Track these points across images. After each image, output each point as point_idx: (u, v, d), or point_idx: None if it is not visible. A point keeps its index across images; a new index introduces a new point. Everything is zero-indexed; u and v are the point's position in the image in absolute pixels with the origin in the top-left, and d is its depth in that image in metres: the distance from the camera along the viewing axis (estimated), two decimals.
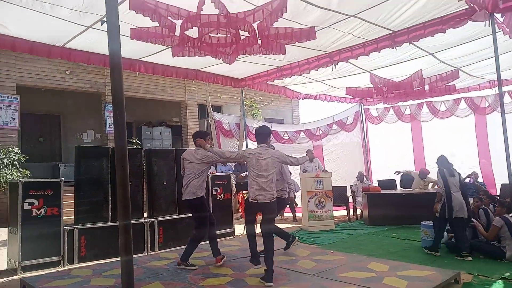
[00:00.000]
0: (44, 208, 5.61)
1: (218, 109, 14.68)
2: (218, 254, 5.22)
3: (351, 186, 10.17)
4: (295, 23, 5.22)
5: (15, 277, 5.22)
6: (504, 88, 9.49)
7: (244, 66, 7.41)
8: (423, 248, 6.17)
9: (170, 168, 7.06)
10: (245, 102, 10.71)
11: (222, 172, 9.12)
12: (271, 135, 5.04)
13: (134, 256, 2.94)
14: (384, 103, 11.57)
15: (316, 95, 10.47)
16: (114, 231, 6.01)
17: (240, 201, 8.86)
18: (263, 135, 4.91)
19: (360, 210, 9.63)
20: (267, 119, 14.62)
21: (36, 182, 5.84)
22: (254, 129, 5.83)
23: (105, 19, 2.42)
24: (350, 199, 9.91)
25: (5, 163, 8.96)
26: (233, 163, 9.82)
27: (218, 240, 5.40)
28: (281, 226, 6.59)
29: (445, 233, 6.29)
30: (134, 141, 11.42)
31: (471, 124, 10.76)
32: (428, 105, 11.41)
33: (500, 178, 9.66)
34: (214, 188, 7.49)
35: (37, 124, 12.52)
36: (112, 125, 9.77)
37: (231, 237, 7.60)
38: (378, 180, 10.80)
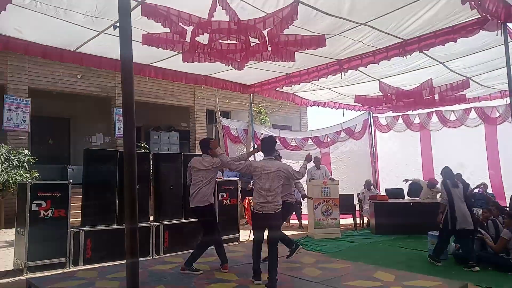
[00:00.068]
0: (51, 209, 5.66)
1: (226, 114, 14.73)
2: (226, 261, 5.20)
3: (358, 194, 10.10)
4: (305, 30, 5.23)
5: (21, 277, 5.26)
6: None
7: (253, 73, 7.43)
8: (428, 257, 6.13)
9: (177, 173, 7.08)
10: (253, 109, 10.72)
11: (229, 177, 9.13)
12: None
13: (139, 259, 2.94)
14: (393, 112, 11.51)
15: (325, 102, 10.44)
16: (120, 234, 6.02)
17: (246, 206, 8.85)
18: (270, 147, 4.88)
19: (367, 219, 9.57)
20: (275, 126, 14.62)
21: (44, 183, 5.90)
22: (261, 138, 5.80)
23: (117, 24, 2.45)
24: (357, 207, 9.84)
25: (14, 164, 9.07)
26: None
27: (223, 245, 5.39)
28: (286, 233, 6.56)
29: (453, 244, 6.24)
30: (142, 145, 11.49)
31: (481, 134, 10.63)
32: (437, 114, 11.31)
33: (510, 189, 9.57)
34: (221, 193, 7.51)
35: (47, 126, 12.66)
36: (121, 129, 9.89)
37: (236, 243, 7.58)
38: (385, 189, 10.72)
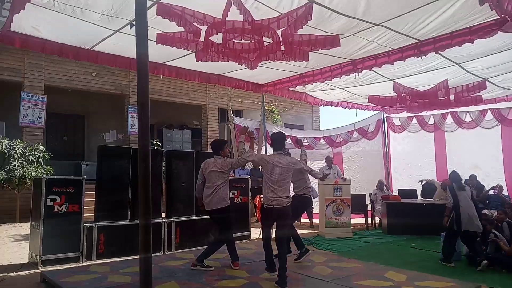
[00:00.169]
0: (65, 204, 5.75)
1: (238, 113, 14.77)
2: (236, 259, 5.24)
3: (370, 195, 10.05)
4: (319, 30, 5.21)
5: (35, 270, 5.37)
6: None
7: (266, 72, 7.42)
8: (439, 260, 6.10)
9: (189, 170, 7.14)
10: (265, 108, 10.73)
11: (240, 176, 9.16)
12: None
13: None
14: (407, 112, 11.40)
15: (338, 102, 10.38)
16: (132, 230, 6.12)
17: (257, 204, 8.87)
18: (279, 142, 4.92)
19: (379, 219, 9.51)
20: (287, 125, 14.61)
21: (59, 179, 5.98)
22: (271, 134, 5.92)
23: (134, 22, 2.48)
24: (369, 207, 9.79)
25: (30, 160, 9.25)
26: (250, 168, 9.91)
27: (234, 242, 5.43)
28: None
29: (465, 246, 6.18)
30: (155, 142, 11.60)
31: (497, 135, 10.48)
32: (452, 115, 11.17)
33: None
34: (232, 191, 7.52)
35: (62, 123, 12.89)
36: (134, 126, 10.02)
37: (247, 240, 7.62)
38: (398, 189, 10.65)
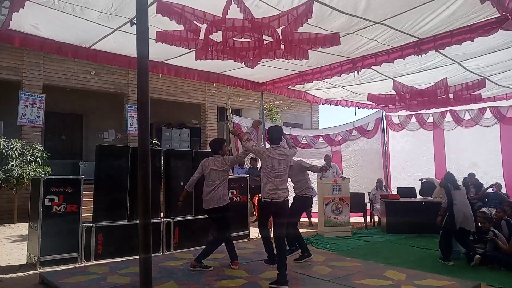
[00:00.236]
0: (64, 204, 5.71)
1: (237, 112, 14.74)
2: (235, 258, 5.22)
3: (369, 193, 10.04)
4: (319, 28, 5.19)
5: (34, 271, 5.33)
6: None
7: (265, 70, 7.40)
8: (438, 258, 6.12)
9: (188, 169, 7.09)
10: (264, 106, 10.70)
11: (239, 174, 9.13)
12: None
13: None
14: (406, 110, 11.40)
15: (337, 100, 10.37)
16: (131, 230, 6.10)
17: (256, 203, 8.85)
18: (276, 135, 4.91)
19: (378, 218, 9.51)
20: (286, 124, 14.58)
21: (57, 179, 5.95)
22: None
23: (134, 20, 2.46)
24: (368, 206, 9.78)
25: (28, 160, 9.20)
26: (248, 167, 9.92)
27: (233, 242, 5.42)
28: None
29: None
30: (153, 141, 11.56)
31: (496, 133, 10.49)
32: (451, 114, 11.18)
33: None
34: (231, 191, 7.49)
35: (60, 122, 12.84)
36: (133, 125, 9.97)
37: (246, 240, 7.60)
38: (397, 188, 10.67)
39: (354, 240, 7.81)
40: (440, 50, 5.85)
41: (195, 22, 4.64)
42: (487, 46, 6.02)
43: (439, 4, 4.62)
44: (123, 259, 5.82)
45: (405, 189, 10.17)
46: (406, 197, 9.48)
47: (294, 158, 5.74)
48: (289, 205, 5.05)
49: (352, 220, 8.82)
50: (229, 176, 5.46)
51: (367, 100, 9.85)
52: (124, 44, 5.89)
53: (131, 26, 4.95)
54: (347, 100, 10.42)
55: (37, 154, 9.45)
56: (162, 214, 7.01)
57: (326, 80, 7.93)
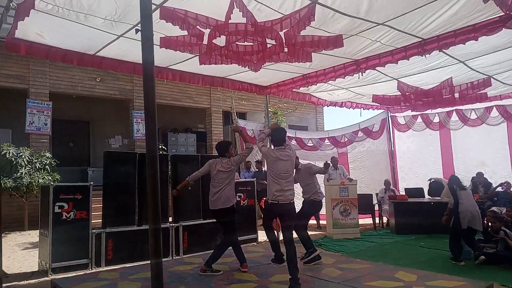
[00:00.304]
0: (73, 211, 5.77)
1: (242, 116, 14.77)
2: (244, 261, 5.24)
3: (376, 194, 10.00)
4: (322, 31, 5.20)
5: (46, 278, 5.39)
6: None
7: (269, 74, 7.42)
8: (449, 258, 6.09)
9: None
10: (269, 109, 10.72)
11: (245, 178, 9.15)
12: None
13: None
14: (412, 111, 11.36)
15: (342, 102, 10.35)
16: (140, 235, 6.14)
17: (263, 206, 8.86)
18: (279, 136, 4.93)
19: (386, 219, 9.47)
20: (291, 126, 14.59)
21: (66, 186, 6.01)
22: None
23: (139, 27, 2.48)
24: (376, 207, 9.74)
25: (37, 167, 9.28)
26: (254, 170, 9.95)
27: (242, 246, 5.44)
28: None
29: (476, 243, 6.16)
30: (160, 147, 11.62)
31: (503, 132, 10.44)
32: (457, 113, 11.13)
33: None
34: (238, 194, 7.52)
35: (68, 129, 12.93)
36: (139, 131, 10.00)
37: (255, 243, 7.60)
38: (405, 189, 10.62)
39: (363, 242, 7.79)
40: (444, 50, 5.85)
41: (198, 27, 4.67)
42: (491, 45, 6.00)
43: (441, 4, 4.62)
44: (133, 264, 5.85)
45: (413, 190, 10.12)
46: (415, 198, 9.45)
47: (302, 161, 5.77)
48: (297, 208, 5.06)
49: (361, 221, 8.81)
50: (236, 180, 5.49)
51: (372, 101, 9.82)
52: (128, 50, 5.94)
53: (136, 33, 5.01)
54: (352, 102, 10.40)
55: (45, 161, 9.53)
56: (170, 219, 7.03)
57: (330, 82, 7.93)
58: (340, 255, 6.66)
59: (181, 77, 7.36)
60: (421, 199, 9.54)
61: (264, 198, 8.55)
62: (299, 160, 6.08)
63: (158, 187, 2.57)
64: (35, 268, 5.92)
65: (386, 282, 4.58)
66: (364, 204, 9.20)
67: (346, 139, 11.61)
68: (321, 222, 9.48)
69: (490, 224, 6.44)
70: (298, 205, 5.41)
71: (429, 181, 9.52)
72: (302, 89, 8.91)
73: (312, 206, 5.98)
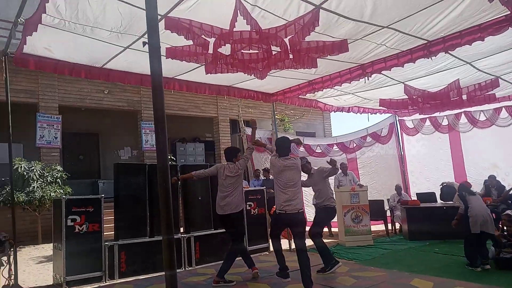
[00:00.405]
0: (86, 224, 5.77)
1: (249, 124, 14.75)
2: (253, 264, 5.26)
3: (388, 200, 9.89)
4: (327, 36, 5.21)
5: None
6: None
7: (275, 81, 7.44)
8: (466, 265, 5.97)
9: (204, 183, 7.13)
10: (276, 116, 10.72)
11: (255, 186, 9.12)
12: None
13: None
14: (419, 114, 11.28)
15: (349, 107, 10.33)
16: (152, 247, 6.13)
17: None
18: (284, 146, 4.91)
19: (399, 225, 9.34)
20: (298, 133, 14.57)
21: (78, 199, 6.01)
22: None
23: (145, 38, 2.51)
24: (388, 213, 9.63)
25: (49, 181, 9.36)
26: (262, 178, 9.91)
27: (253, 255, 5.44)
28: None
29: (492, 248, 6.03)
30: (169, 157, 11.66)
31: None
32: (466, 115, 11.03)
33: None
34: (248, 203, 7.49)
35: (77, 142, 13.04)
36: (148, 142, 10.02)
37: (267, 253, 7.53)
38: (416, 193, 10.47)
39: (376, 249, 7.67)
40: (450, 52, 5.82)
41: (203, 36, 4.71)
42: (497, 45, 5.95)
43: (446, 5, 4.61)
44: (147, 276, 5.84)
45: (425, 195, 9.96)
46: (427, 203, 9.30)
47: (314, 167, 5.75)
48: (308, 216, 5.02)
49: (373, 228, 8.69)
50: (246, 189, 5.46)
51: (379, 106, 9.78)
52: (135, 61, 6.00)
53: (143, 46, 5.06)
54: (359, 107, 10.37)
55: (56, 175, 9.61)
56: (181, 229, 7.02)
57: (336, 87, 7.92)
58: (354, 263, 6.58)
59: (187, 87, 7.41)
60: (433, 204, 9.38)
61: (274, 207, 8.53)
62: (311, 165, 6.02)
63: (170, 199, 2.55)
64: (50, 282, 5.92)
65: None
66: (376, 210, 9.09)
67: (354, 145, 11.55)
68: (332, 229, 9.38)
69: (505, 228, 6.32)
70: (307, 211, 5.35)
71: (441, 186, 9.41)
72: (308, 95, 8.90)
73: (326, 214, 5.90)
